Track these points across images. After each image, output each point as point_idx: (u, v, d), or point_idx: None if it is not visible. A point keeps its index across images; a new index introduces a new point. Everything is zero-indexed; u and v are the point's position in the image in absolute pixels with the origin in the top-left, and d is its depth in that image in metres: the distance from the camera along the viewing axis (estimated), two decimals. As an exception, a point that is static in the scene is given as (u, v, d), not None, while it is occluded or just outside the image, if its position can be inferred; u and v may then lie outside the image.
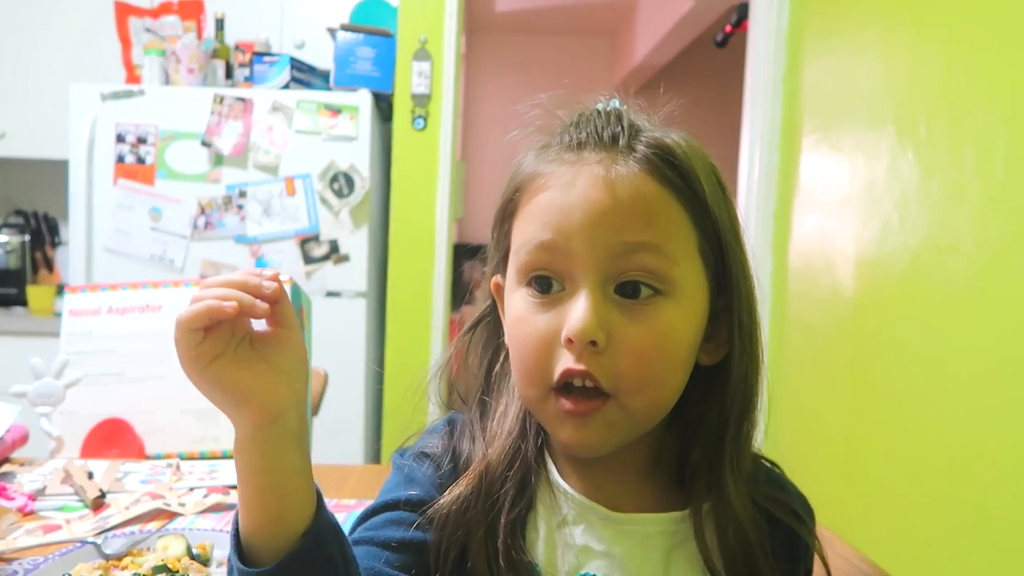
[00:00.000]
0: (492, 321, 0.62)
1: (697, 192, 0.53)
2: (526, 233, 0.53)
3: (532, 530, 0.55)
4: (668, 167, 0.52)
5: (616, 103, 0.57)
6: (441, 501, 0.54)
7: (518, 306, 0.54)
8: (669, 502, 0.57)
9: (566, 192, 0.52)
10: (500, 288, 0.59)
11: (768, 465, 0.61)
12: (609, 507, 0.55)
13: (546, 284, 0.53)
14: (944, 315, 1.43)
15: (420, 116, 2.53)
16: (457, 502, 0.54)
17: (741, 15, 2.71)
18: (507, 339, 0.57)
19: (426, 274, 2.56)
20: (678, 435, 0.57)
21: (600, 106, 0.57)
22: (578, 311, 0.50)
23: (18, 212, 2.91)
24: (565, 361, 0.51)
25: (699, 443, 0.56)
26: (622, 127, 0.54)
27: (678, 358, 0.53)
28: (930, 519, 1.43)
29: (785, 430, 2.14)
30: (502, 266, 0.58)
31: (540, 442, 0.58)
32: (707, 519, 0.54)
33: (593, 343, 0.50)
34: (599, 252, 0.50)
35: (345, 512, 0.96)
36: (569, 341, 0.50)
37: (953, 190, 1.43)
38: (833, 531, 0.82)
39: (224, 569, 0.78)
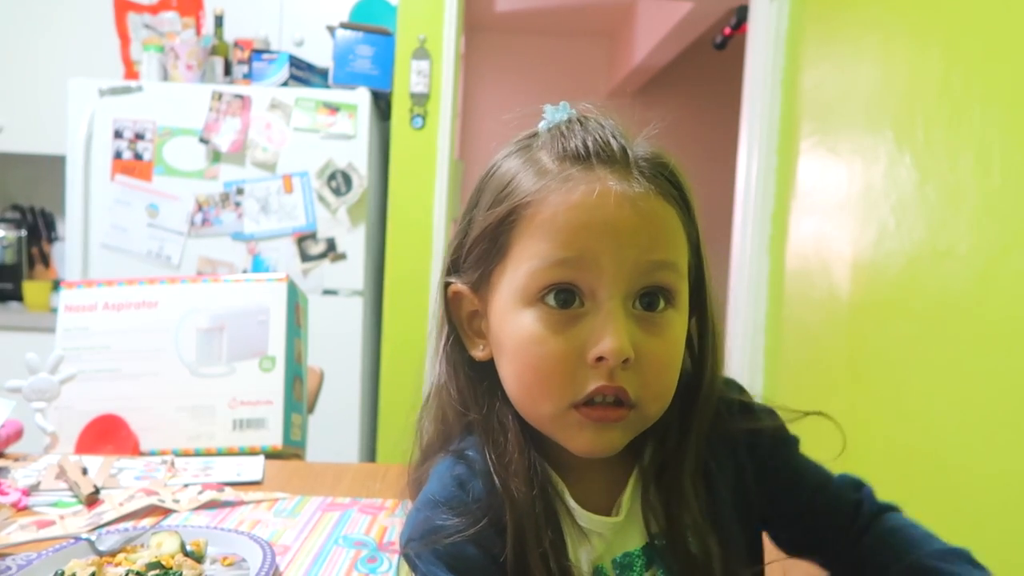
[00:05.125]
0: (457, 337, 0.60)
1: (691, 208, 0.56)
2: (541, 251, 0.52)
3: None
4: (671, 185, 0.54)
5: (577, 108, 0.57)
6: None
7: (528, 325, 0.53)
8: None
9: (591, 212, 0.51)
10: (460, 297, 0.58)
11: (736, 395, 0.62)
12: (610, 513, 0.57)
13: (567, 299, 0.52)
14: (940, 318, 1.43)
15: (418, 115, 2.53)
16: (514, 551, 0.53)
17: (740, 18, 2.72)
18: (510, 358, 0.55)
19: (423, 273, 2.56)
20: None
21: (592, 114, 0.57)
22: (610, 331, 0.50)
23: (15, 207, 2.90)
24: (595, 378, 0.51)
25: (662, 439, 0.57)
26: (624, 140, 0.54)
27: (679, 364, 0.55)
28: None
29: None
30: (483, 280, 0.56)
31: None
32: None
33: (625, 361, 0.50)
34: (627, 270, 0.51)
35: (339, 511, 0.96)
36: (601, 360, 0.50)
37: (950, 194, 1.43)
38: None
39: (218, 565, 0.78)
